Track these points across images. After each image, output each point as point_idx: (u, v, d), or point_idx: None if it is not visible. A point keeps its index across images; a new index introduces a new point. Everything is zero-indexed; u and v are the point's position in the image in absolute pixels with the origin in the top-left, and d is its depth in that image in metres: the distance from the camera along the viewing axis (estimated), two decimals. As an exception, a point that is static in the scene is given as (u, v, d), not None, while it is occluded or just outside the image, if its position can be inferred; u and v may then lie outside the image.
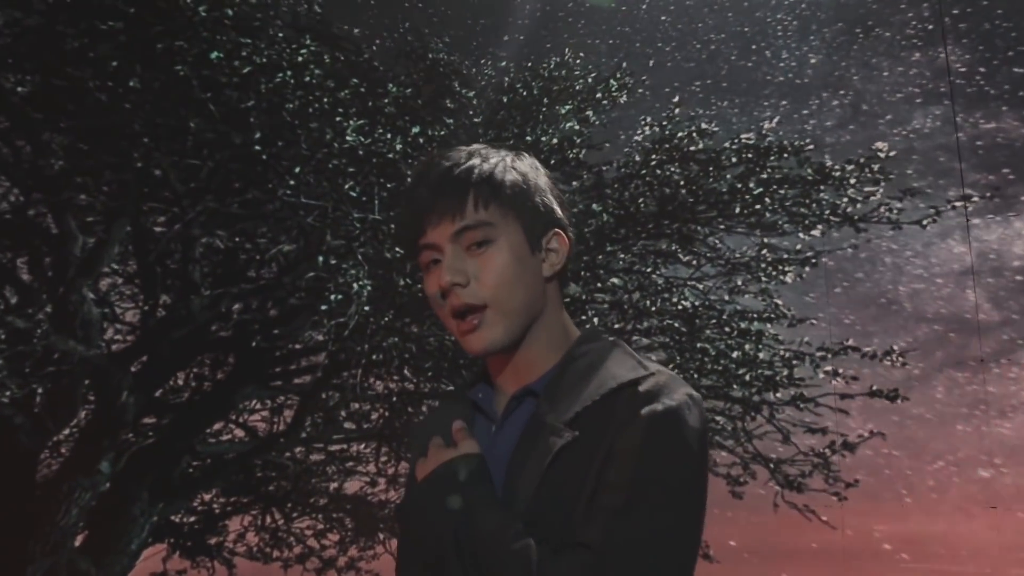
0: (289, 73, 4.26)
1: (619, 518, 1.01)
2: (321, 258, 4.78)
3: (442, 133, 5.55)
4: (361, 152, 4.69)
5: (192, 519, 5.48)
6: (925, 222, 4.65)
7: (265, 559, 5.78)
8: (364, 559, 6.00)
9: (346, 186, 4.68)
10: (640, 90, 5.69)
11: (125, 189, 4.46)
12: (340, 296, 4.81)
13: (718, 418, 5.14)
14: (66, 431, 4.90)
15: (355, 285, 4.72)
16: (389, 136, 4.80)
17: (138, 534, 4.58)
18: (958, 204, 4.58)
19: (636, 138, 5.52)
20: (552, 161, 5.39)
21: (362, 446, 5.95)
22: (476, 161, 1.17)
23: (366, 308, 4.80)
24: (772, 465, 5.00)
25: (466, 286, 1.13)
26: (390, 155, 4.74)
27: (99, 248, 4.50)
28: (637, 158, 5.35)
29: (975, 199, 4.67)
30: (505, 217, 1.16)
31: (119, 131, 4.18)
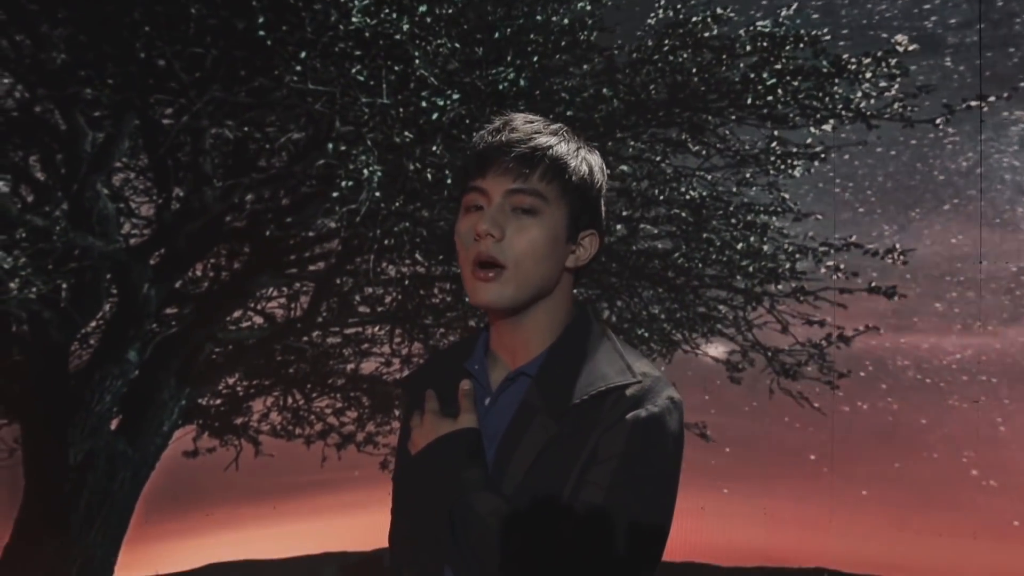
0: (290, -48, 4.06)
1: (597, 513, 1.13)
2: (331, 145, 4.71)
3: (449, 11, 5.33)
4: (368, 34, 4.55)
5: (218, 402, 5.71)
6: (938, 121, 4.66)
7: (288, 436, 6.08)
8: (381, 434, 6.32)
9: (353, 70, 4.57)
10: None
11: (130, 81, 4.33)
12: (351, 183, 4.79)
13: (720, 307, 5.35)
14: (93, 323, 5.02)
15: (365, 171, 4.70)
16: (395, 16, 4.63)
17: (168, 417, 4.83)
18: (973, 104, 4.58)
19: (649, 22, 5.33)
20: (563, 43, 5.24)
21: (376, 328, 6.13)
22: (558, 139, 1.23)
23: (377, 194, 4.79)
24: (769, 354, 5.27)
25: (499, 241, 1.19)
26: (397, 36, 4.59)
27: (109, 143, 4.43)
28: (650, 43, 5.20)
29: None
30: (559, 199, 1.22)
31: (118, 20, 4.02)
